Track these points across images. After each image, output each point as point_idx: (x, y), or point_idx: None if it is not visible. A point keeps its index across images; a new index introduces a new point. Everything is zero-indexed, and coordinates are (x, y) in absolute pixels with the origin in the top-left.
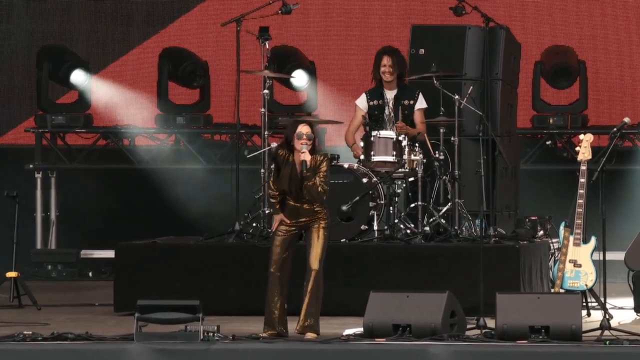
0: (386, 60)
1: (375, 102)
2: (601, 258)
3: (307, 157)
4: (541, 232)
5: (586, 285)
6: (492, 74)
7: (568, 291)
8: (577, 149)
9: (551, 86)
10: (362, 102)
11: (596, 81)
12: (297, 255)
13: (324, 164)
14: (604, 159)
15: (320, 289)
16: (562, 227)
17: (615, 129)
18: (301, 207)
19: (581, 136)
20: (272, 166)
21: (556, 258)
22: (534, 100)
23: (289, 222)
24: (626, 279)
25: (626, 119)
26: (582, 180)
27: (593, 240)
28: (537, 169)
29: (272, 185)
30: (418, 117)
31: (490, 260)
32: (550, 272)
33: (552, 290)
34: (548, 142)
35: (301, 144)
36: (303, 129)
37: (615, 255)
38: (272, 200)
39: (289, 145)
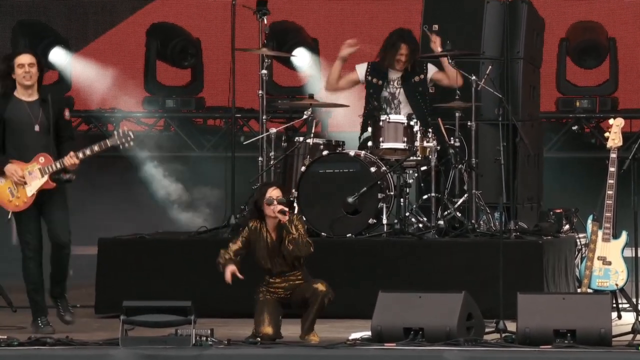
0: (404, 50)
1: (374, 79)
2: (633, 255)
3: (284, 217)
4: (567, 227)
5: (616, 284)
6: (513, 52)
7: (596, 291)
8: (607, 134)
9: (578, 66)
10: (360, 70)
11: (627, 60)
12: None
13: (300, 224)
14: (636, 146)
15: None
16: (589, 221)
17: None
18: (289, 279)
19: (611, 121)
20: (241, 236)
21: (583, 255)
22: (558, 82)
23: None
24: None
25: None
26: (611, 169)
27: (624, 236)
28: (563, 156)
29: (232, 252)
30: (445, 66)
31: (510, 257)
32: (577, 271)
33: (579, 290)
34: (574, 128)
35: (273, 209)
36: (273, 192)
37: None
38: (220, 261)
39: (259, 212)
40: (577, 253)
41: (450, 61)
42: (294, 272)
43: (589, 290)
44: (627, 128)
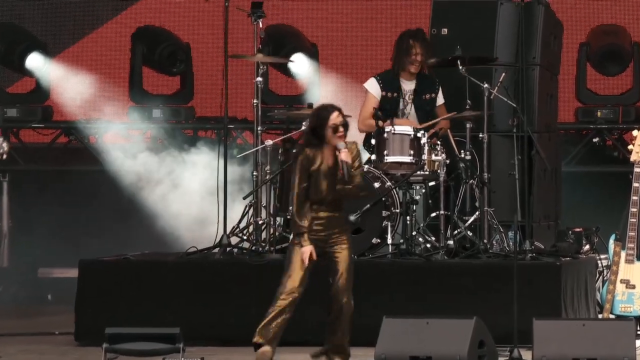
0: (418, 48)
1: (389, 93)
2: None
3: (347, 157)
4: (587, 247)
5: None
6: (529, 58)
7: (619, 317)
8: (630, 147)
9: (599, 73)
10: (373, 87)
11: None
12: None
13: (359, 156)
14: None
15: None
16: (611, 241)
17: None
18: (333, 217)
19: (635, 132)
20: (296, 174)
21: (605, 277)
22: (578, 90)
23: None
24: None
25: None
26: (635, 184)
27: None
28: (582, 171)
29: (298, 200)
30: (441, 114)
31: (526, 279)
32: (598, 294)
33: (600, 316)
34: (595, 140)
35: (339, 138)
36: (338, 119)
37: None
38: (301, 224)
39: (319, 138)
40: (598, 275)
41: (461, 68)
42: (340, 215)
43: (611, 316)
44: None
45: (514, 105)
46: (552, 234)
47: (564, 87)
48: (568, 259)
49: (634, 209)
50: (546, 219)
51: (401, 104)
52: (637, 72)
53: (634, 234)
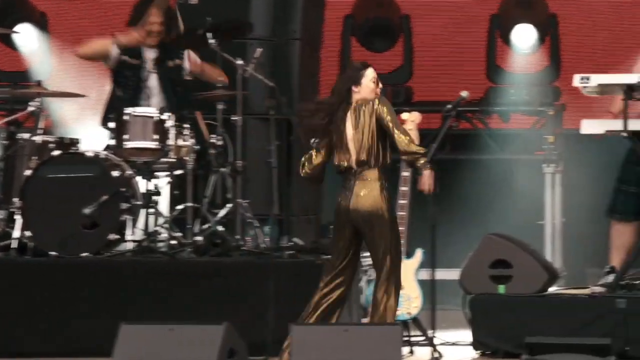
0: (156, 16)
1: (128, 58)
2: (429, 277)
3: None
4: None
5: (409, 313)
6: (288, 31)
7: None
8: None
9: (366, 48)
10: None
11: (422, 43)
12: None
13: (385, 108)
14: (435, 146)
15: None
16: None
17: (449, 106)
18: (366, 186)
19: (404, 115)
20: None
21: (370, 277)
22: (342, 68)
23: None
24: (460, 306)
25: (464, 93)
26: (404, 173)
27: (419, 254)
28: None
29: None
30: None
31: (283, 280)
32: (362, 297)
33: (364, 320)
34: None
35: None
36: (375, 73)
37: (448, 274)
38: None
39: (348, 97)
40: (362, 276)
41: (212, 42)
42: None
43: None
44: (425, 124)
45: (271, 85)
46: (312, 229)
47: (326, 65)
48: (329, 257)
49: (403, 201)
50: (306, 212)
51: (143, 73)
52: (407, 48)
53: (403, 228)
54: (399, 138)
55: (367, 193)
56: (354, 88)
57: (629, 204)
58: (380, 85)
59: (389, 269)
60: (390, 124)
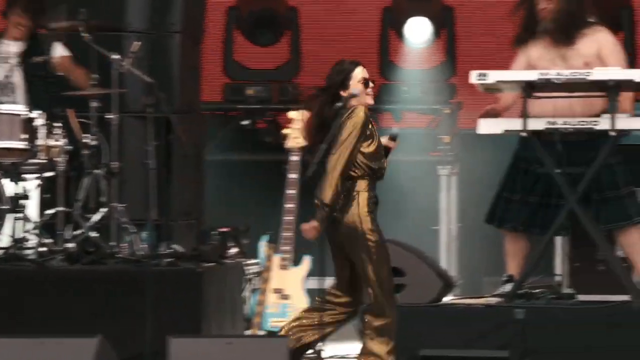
0: (19, 10)
1: None
2: (318, 286)
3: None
4: (235, 250)
5: None
6: (167, 23)
7: (271, 333)
8: (287, 131)
9: (250, 42)
10: None
11: (312, 35)
12: None
13: (348, 122)
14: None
15: None
16: (263, 243)
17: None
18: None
19: (292, 113)
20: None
21: (255, 287)
22: (225, 63)
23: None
24: None
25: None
26: (292, 176)
27: (307, 262)
28: (230, 159)
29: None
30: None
31: (161, 290)
32: (247, 307)
33: (249, 332)
34: (245, 122)
35: (369, 96)
36: (364, 72)
37: None
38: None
39: (336, 96)
40: (246, 284)
41: (84, 35)
42: None
43: (261, 332)
44: None
45: (149, 81)
46: (193, 235)
47: (208, 59)
48: (211, 264)
49: (290, 205)
50: (187, 216)
51: (7, 67)
52: (295, 42)
53: (290, 234)
54: (330, 160)
55: None
56: (342, 92)
57: (511, 212)
58: (371, 85)
59: None
60: (339, 142)
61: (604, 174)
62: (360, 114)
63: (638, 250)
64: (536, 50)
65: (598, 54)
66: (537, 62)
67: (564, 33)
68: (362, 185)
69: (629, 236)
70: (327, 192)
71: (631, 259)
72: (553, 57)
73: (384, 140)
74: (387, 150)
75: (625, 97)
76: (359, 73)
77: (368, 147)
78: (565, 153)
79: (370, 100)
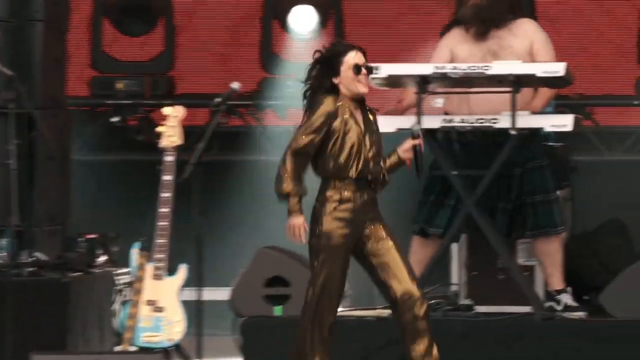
0: None
1: None
2: (195, 298)
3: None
4: (103, 258)
5: (171, 339)
6: (28, 11)
7: (143, 349)
8: (160, 129)
9: (120, 32)
10: None
11: (188, 25)
12: None
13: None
14: (202, 145)
15: None
16: (135, 251)
17: (218, 100)
18: (369, 194)
19: (166, 110)
20: (317, 124)
21: (126, 298)
22: (93, 54)
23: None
24: (231, 330)
25: (234, 85)
26: (166, 177)
27: (182, 271)
28: (98, 159)
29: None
30: None
31: (23, 301)
32: (117, 320)
33: (119, 348)
34: (115, 119)
35: (361, 84)
36: (359, 58)
37: (217, 294)
38: (295, 189)
39: (332, 86)
40: (116, 295)
41: None
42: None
43: (133, 348)
44: (189, 120)
45: (10, 73)
46: (58, 242)
47: (74, 51)
48: (78, 274)
49: (165, 209)
50: (51, 222)
51: None
52: (169, 32)
53: (164, 240)
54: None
55: None
56: (334, 80)
57: (429, 215)
58: (364, 71)
59: None
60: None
61: (536, 176)
62: (328, 104)
63: (554, 260)
64: (466, 47)
65: (529, 50)
66: (467, 59)
67: (482, 27)
68: (326, 184)
69: (549, 244)
70: (281, 182)
71: (545, 268)
72: (484, 54)
73: (408, 141)
74: (415, 149)
75: (542, 94)
76: (351, 58)
77: (333, 144)
78: (494, 155)
79: (362, 89)
